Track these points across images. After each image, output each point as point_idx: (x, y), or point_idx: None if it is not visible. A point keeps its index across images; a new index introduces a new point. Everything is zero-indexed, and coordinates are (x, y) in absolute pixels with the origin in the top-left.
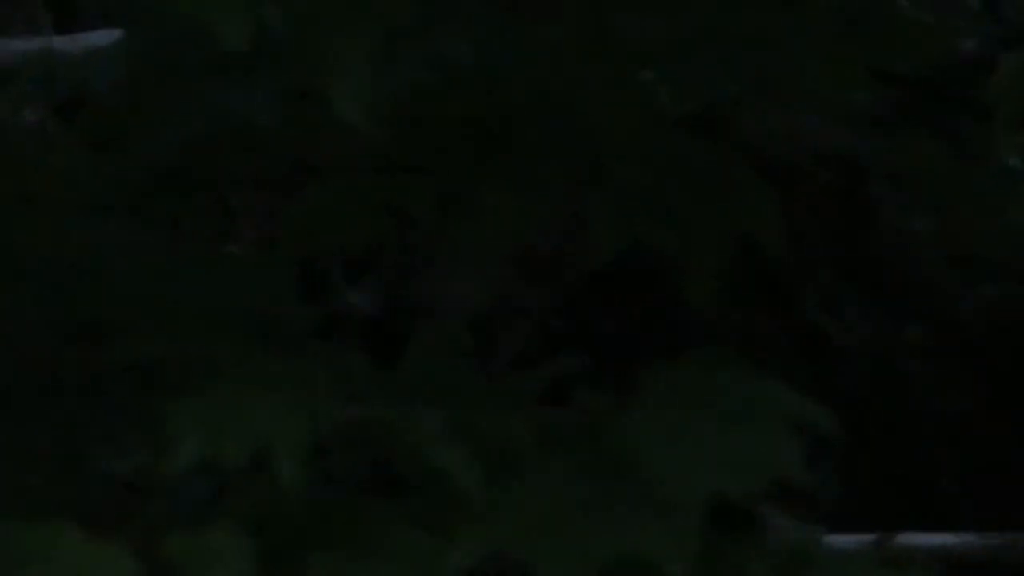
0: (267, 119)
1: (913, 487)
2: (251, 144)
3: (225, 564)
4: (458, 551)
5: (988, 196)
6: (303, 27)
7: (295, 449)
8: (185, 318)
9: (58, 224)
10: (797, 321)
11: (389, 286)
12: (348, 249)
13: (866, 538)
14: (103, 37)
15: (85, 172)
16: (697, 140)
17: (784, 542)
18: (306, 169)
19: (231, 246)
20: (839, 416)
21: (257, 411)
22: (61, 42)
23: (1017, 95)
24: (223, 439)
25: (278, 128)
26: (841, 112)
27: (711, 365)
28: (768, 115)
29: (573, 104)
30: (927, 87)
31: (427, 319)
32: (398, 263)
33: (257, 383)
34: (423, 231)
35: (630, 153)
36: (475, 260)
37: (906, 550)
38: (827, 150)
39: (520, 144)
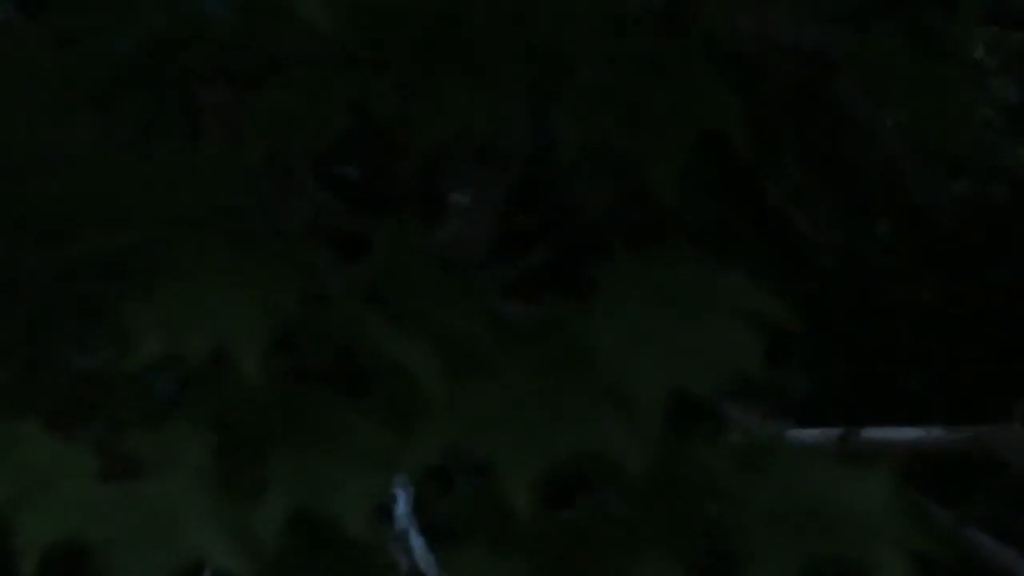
0: (228, 14)
1: (882, 382)
2: (215, 40)
3: (185, 459)
4: (417, 446)
5: (957, 91)
6: None
7: (255, 343)
8: (150, 215)
9: (23, 120)
10: (766, 215)
11: (357, 186)
12: (311, 144)
13: (832, 432)
14: None
15: (50, 68)
16: (660, 37)
17: (746, 437)
18: (271, 65)
19: (198, 143)
20: (807, 311)
21: (218, 305)
22: None
23: None
24: (184, 334)
25: (240, 24)
26: (809, 7)
27: (674, 259)
28: (735, 10)
29: (534, 1)
30: None
31: (391, 218)
32: (366, 162)
33: (220, 278)
34: (384, 127)
35: (592, 50)
36: (435, 155)
37: (873, 444)
38: (795, 45)
39: (481, 41)
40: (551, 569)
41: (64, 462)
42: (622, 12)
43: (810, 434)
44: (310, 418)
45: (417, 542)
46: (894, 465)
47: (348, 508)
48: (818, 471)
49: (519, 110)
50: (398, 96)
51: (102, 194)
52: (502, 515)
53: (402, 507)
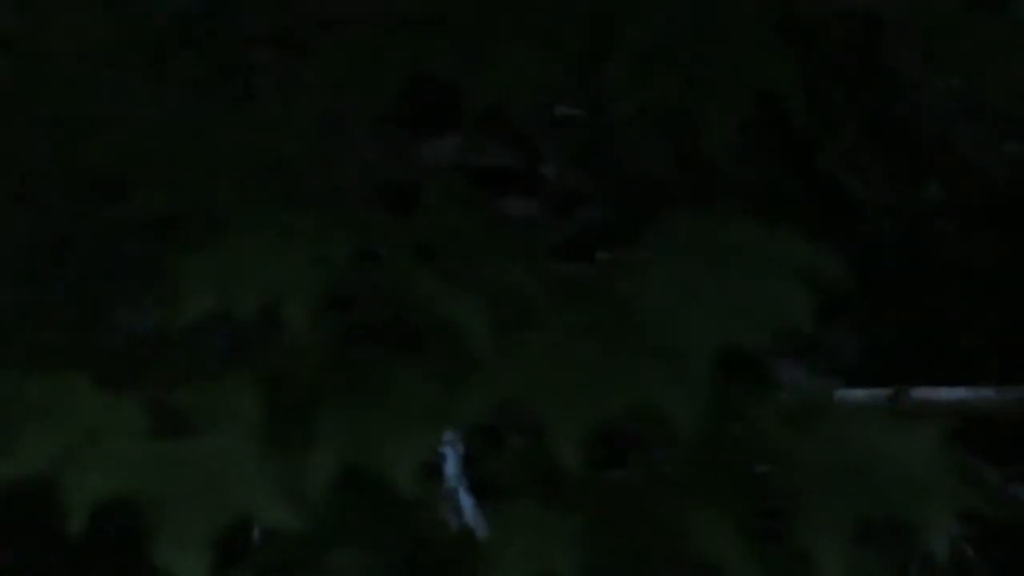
0: None
1: (934, 343)
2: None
3: (234, 417)
4: (466, 403)
5: (1012, 51)
6: None
7: (305, 300)
8: (202, 173)
9: (76, 79)
10: (818, 178)
11: (406, 145)
12: (366, 106)
13: (881, 392)
14: None
15: (101, 27)
16: None
17: (796, 396)
18: (325, 25)
19: (250, 104)
20: (860, 272)
21: (269, 262)
22: None
23: None
24: (234, 291)
25: None
26: None
27: (725, 218)
28: None
29: None
30: None
31: (442, 175)
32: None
33: (270, 236)
34: (440, 87)
35: (645, 9)
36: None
37: (922, 404)
38: (846, 6)
39: (535, 1)
40: (601, 529)
41: (113, 418)
42: None
43: (859, 394)
44: (360, 375)
45: (466, 501)
46: (943, 424)
47: (397, 464)
48: (867, 430)
49: (574, 69)
50: (454, 57)
51: (154, 153)
52: (552, 474)
53: (451, 466)
